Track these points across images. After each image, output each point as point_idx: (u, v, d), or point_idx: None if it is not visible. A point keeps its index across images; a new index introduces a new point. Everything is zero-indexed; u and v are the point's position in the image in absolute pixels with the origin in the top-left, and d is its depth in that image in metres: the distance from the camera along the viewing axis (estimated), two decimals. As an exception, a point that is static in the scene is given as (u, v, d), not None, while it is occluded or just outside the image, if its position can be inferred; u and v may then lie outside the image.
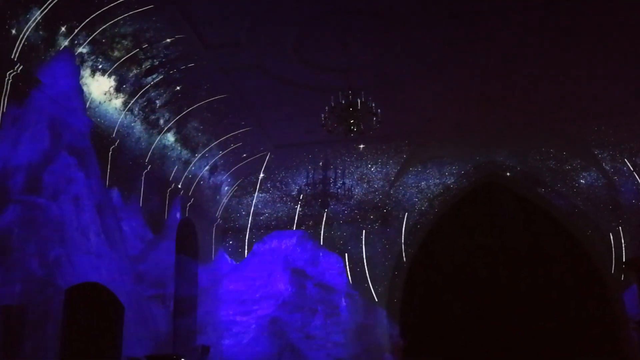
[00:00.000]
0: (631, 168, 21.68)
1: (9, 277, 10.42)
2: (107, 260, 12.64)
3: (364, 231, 24.09)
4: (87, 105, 14.90)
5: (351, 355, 20.72)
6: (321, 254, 22.97)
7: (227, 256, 23.76)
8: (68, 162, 12.10)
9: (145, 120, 18.17)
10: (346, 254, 24.02)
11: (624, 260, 21.43)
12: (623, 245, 21.78)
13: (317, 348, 20.43)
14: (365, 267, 23.61)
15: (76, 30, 14.12)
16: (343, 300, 21.92)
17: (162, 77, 17.30)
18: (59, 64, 13.33)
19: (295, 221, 24.71)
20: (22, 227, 10.82)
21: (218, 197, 24.06)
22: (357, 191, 24.23)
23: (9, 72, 12.69)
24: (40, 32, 13.37)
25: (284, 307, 20.95)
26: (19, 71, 12.87)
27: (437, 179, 24.62)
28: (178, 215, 19.58)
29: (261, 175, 24.54)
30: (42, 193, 11.43)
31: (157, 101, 18.05)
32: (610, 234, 22.13)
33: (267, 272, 21.95)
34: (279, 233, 23.75)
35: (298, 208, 24.67)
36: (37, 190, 11.41)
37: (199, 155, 21.30)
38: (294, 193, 24.61)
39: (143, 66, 16.64)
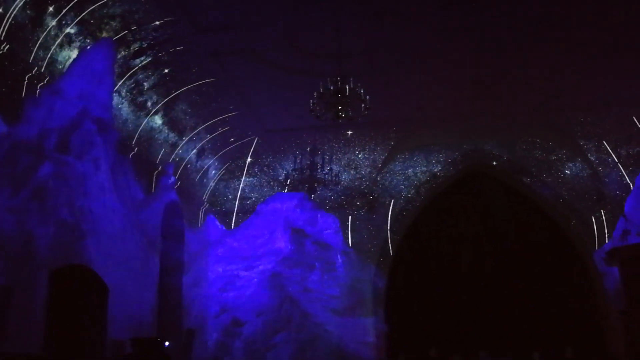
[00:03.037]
0: (616, 159, 21.86)
1: (45, 220, 12.28)
2: (118, 214, 14.60)
3: (350, 217, 24.15)
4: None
5: (345, 306, 21.88)
6: (319, 215, 23.57)
7: (217, 221, 23.90)
8: (90, 129, 13.95)
9: (133, 102, 18.06)
10: (332, 240, 24.03)
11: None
12: (606, 235, 22.00)
13: (314, 300, 21.63)
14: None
15: (64, 10, 13.99)
16: (339, 257, 22.90)
17: (150, 59, 17.19)
18: (98, 50, 14.80)
19: (282, 206, 24.67)
20: (55, 180, 12.71)
21: (205, 180, 24.01)
22: (344, 177, 24.28)
23: (-5, 52, 12.59)
24: (28, 12, 13.22)
25: (284, 262, 22.02)
26: (5, 50, 12.72)
27: (424, 166, 24.70)
28: (172, 179, 19.57)
29: (249, 159, 24.47)
30: (70, 152, 13.38)
31: (145, 83, 17.93)
32: (594, 223, 22.35)
33: (268, 231, 22.88)
34: (281, 195, 24.05)
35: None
36: (66, 150, 13.35)
37: (187, 138, 21.22)
38: (281, 178, 24.61)
39: (131, 48, 16.51)
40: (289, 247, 22.32)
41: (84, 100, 14.21)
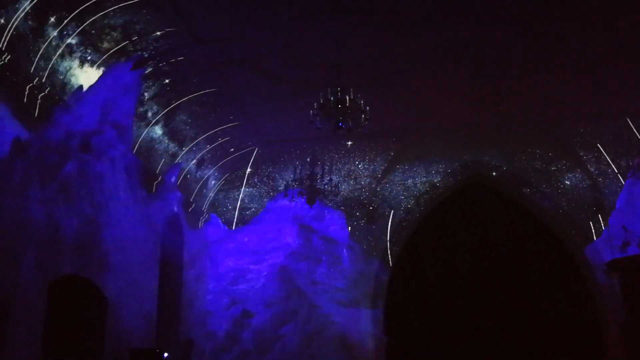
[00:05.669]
0: (616, 170, 21.86)
1: (69, 212, 13.89)
2: (130, 210, 16.14)
3: (349, 228, 24.13)
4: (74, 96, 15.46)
5: (351, 299, 22.75)
6: (326, 211, 24.20)
7: (219, 221, 24.38)
8: (110, 133, 15.34)
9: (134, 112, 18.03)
10: (332, 250, 24.00)
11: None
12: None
13: (321, 292, 22.59)
14: (351, 263, 23.65)
15: (65, 21, 14.01)
16: (345, 251, 23.72)
17: (151, 69, 17.20)
18: (126, 65, 16.20)
19: (282, 216, 24.64)
20: (78, 177, 14.27)
21: (205, 191, 23.99)
22: (344, 188, 24.27)
23: (-4, 62, 12.62)
24: (29, 22, 13.25)
25: (292, 256, 23.05)
26: (6, 61, 12.75)
27: (423, 177, 24.69)
28: (173, 179, 20.05)
29: (248, 169, 24.48)
30: (91, 153, 14.83)
31: (146, 93, 17.93)
32: (594, 235, 22.32)
33: (277, 227, 23.77)
34: (289, 192, 24.38)
35: (285, 203, 24.61)
36: (87, 151, 14.82)
37: (186, 148, 21.22)
38: (281, 188, 24.58)
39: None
40: (297, 241, 23.28)
41: (108, 108, 15.48)
